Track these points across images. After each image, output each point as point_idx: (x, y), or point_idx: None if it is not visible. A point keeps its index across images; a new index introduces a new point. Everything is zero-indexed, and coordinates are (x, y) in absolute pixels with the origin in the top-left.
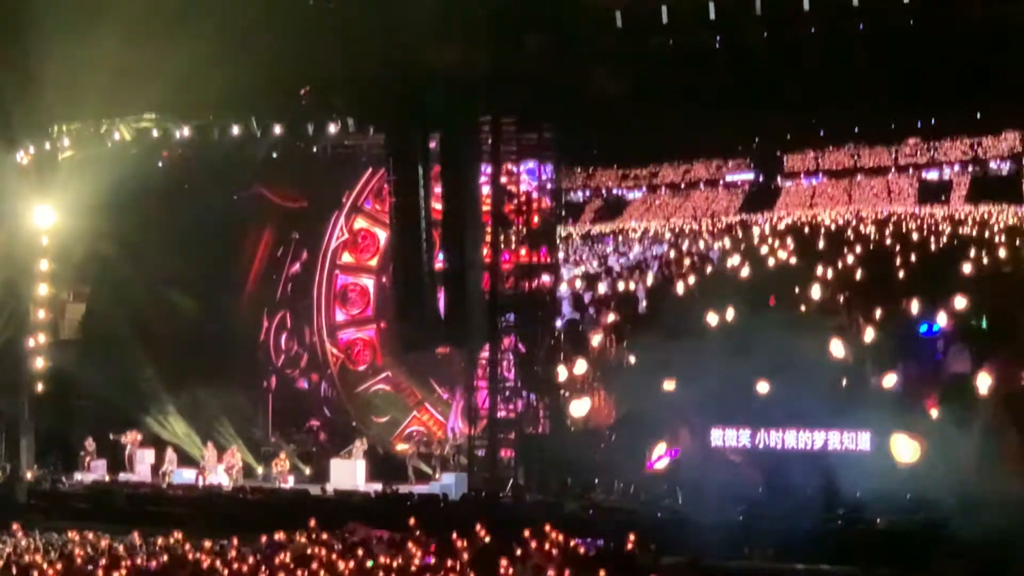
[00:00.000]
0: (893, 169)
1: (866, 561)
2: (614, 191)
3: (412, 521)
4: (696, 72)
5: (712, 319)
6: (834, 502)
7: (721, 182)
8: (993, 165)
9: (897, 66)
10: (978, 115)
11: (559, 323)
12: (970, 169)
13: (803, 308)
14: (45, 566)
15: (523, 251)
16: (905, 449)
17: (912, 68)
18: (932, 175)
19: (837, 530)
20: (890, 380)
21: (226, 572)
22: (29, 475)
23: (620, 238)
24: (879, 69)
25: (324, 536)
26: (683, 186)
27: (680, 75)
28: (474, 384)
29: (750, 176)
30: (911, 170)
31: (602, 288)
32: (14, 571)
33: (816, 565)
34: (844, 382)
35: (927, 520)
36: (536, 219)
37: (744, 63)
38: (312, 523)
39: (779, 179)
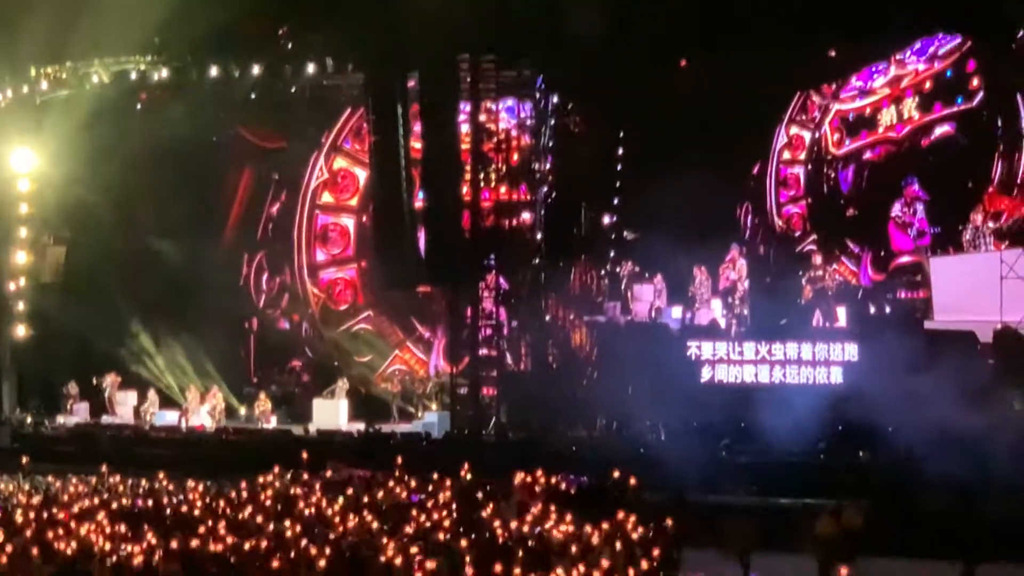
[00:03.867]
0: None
1: (849, 494)
2: None
3: (398, 460)
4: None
5: None
6: (816, 435)
7: None
8: None
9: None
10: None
11: None
12: None
13: None
14: (29, 511)
15: (503, 189)
16: None
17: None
18: None
19: (820, 464)
20: None
21: (209, 513)
22: (12, 419)
23: None
24: None
25: (306, 476)
26: None
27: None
28: (455, 323)
29: None
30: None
31: None
32: None
33: (799, 499)
34: None
35: (910, 452)
36: (515, 157)
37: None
38: (296, 464)
39: None
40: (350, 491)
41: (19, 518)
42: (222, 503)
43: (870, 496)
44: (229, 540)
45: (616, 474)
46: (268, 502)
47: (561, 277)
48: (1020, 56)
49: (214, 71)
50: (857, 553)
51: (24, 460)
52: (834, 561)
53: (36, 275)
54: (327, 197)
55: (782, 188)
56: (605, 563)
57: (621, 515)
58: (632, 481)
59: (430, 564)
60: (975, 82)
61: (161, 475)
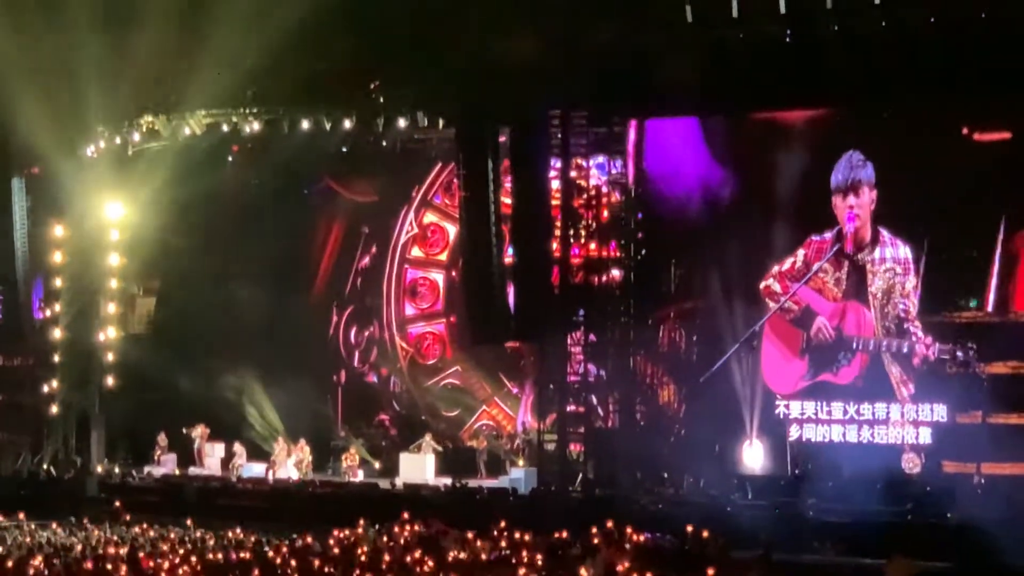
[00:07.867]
0: None
1: (937, 555)
2: None
3: (502, 522)
4: (765, 65)
5: None
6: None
7: None
8: None
9: (968, 59)
10: None
11: None
12: None
13: None
14: (119, 562)
15: (592, 245)
16: None
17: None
18: None
19: (907, 524)
20: None
21: (296, 567)
22: (100, 468)
23: None
24: (950, 64)
25: (397, 531)
26: None
27: (749, 68)
28: (543, 378)
29: None
30: None
31: None
32: (88, 565)
33: (884, 560)
34: None
35: (999, 514)
36: (605, 213)
37: (814, 57)
38: (383, 518)
39: None
40: (437, 547)
41: (108, 568)
42: (309, 557)
43: (957, 559)
44: None
45: (703, 533)
46: (359, 557)
47: (650, 334)
48: None
49: (305, 124)
50: None
51: (117, 504)
52: None
53: (125, 326)
54: (416, 251)
55: None
56: None
57: (709, 574)
58: (718, 539)
59: None
60: None
61: (238, 529)
